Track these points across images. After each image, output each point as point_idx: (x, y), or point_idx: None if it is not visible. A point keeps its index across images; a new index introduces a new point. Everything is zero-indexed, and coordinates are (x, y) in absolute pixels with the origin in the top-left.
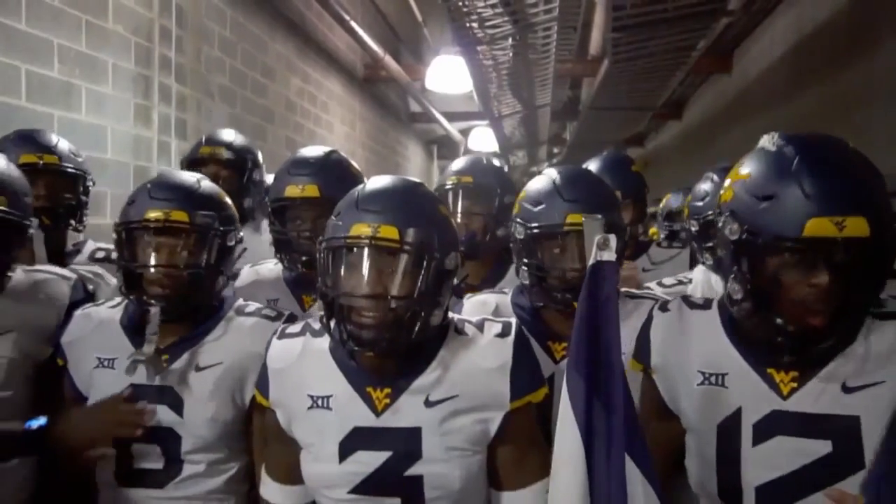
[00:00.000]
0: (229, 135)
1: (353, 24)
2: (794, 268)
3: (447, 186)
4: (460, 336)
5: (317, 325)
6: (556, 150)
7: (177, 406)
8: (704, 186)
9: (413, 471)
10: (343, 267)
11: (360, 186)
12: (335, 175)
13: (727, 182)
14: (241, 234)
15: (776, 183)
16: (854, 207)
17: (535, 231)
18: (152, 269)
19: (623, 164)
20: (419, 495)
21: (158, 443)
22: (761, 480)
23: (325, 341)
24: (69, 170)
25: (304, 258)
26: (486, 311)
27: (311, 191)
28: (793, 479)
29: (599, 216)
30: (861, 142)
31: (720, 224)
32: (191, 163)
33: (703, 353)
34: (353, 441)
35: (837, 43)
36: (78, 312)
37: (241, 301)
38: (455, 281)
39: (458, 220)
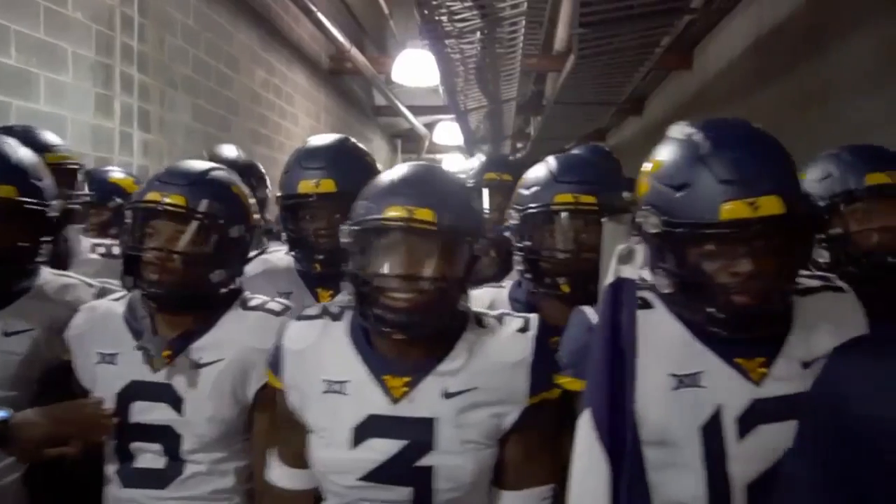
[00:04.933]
0: (231, 150)
1: (319, 14)
2: (717, 255)
3: (481, 182)
4: (480, 328)
5: (335, 309)
6: (519, 146)
7: (176, 404)
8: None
9: (425, 461)
10: (375, 249)
11: (389, 171)
12: (351, 166)
13: (642, 176)
14: (260, 225)
15: (688, 171)
16: (765, 187)
17: (525, 213)
18: (148, 253)
19: (602, 152)
20: (430, 486)
21: (158, 441)
22: (751, 477)
23: (343, 325)
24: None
25: (320, 257)
26: (480, 305)
27: (327, 185)
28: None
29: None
30: (818, 139)
31: (639, 218)
32: None
33: (669, 354)
34: (368, 428)
35: (795, 42)
36: (83, 306)
37: (246, 293)
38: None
39: (493, 215)
